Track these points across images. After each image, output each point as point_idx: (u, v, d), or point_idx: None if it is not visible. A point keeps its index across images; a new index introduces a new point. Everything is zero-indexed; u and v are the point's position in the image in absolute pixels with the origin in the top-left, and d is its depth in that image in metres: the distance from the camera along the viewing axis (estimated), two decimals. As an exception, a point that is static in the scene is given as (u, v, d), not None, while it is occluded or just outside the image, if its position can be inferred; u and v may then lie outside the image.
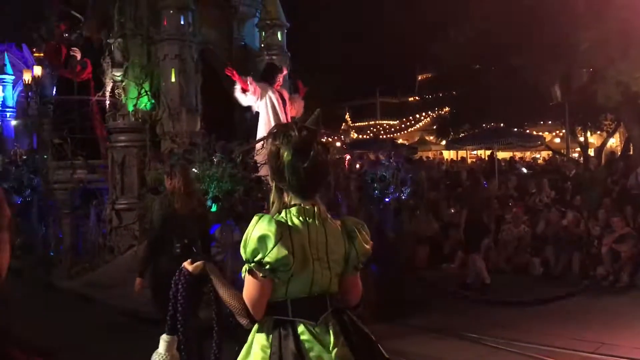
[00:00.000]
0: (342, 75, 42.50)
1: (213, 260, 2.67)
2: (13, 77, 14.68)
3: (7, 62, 14.88)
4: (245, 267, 2.18)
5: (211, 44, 10.42)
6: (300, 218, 2.23)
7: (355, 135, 39.26)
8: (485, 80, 20.04)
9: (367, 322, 6.61)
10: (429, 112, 35.48)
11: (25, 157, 11.44)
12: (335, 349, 2.19)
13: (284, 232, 2.15)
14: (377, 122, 43.35)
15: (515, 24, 14.90)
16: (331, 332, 2.23)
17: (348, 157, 9.13)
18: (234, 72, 7.74)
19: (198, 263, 2.47)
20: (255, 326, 2.26)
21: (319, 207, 2.28)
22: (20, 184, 10.62)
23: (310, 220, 2.24)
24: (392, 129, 39.50)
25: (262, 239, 2.12)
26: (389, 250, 8.88)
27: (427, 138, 33.42)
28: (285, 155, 2.22)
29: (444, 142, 29.89)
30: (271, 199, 2.36)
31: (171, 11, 8.99)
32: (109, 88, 9.62)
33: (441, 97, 29.53)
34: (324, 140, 2.66)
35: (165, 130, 8.97)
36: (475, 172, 10.36)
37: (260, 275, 2.14)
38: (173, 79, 8.99)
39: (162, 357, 2.47)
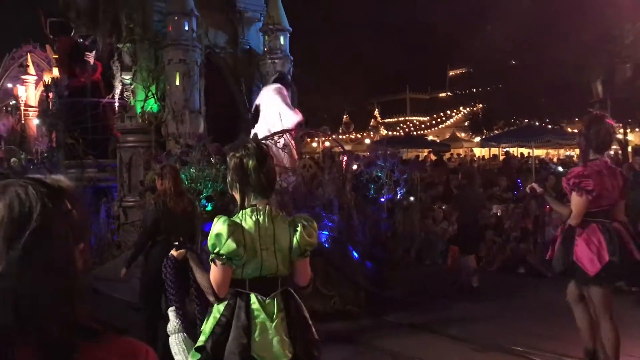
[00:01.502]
0: (372, 70, 42.33)
1: (197, 252, 3.40)
2: (35, 77, 15.24)
3: (30, 62, 15.47)
4: (211, 256, 2.80)
5: (217, 48, 10.80)
6: (253, 217, 2.84)
7: (385, 131, 38.99)
8: (521, 76, 19.68)
9: (356, 316, 6.90)
10: (461, 109, 35.06)
11: (46, 154, 12.02)
12: (277, 320, 2.81)
13: (235, 229, 2.76)
14: (407, 118, 43.00)
15: (555, 17, 14.47)
16: (276, 306, 2.83)
17: (345, 157, 9.35)
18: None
19: (181, 251, 3.24)
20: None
21: (270, 206, 2.91)
22: (37, 181, 11.17)
23: (261, 217, 2.84)
24: (423, 126, 39.10)
25: (218, 236, 2.74)
26: (383, 249, 9.18)
27: (458, 135, 32.68)
28: (250, 163, 2.85)
29: (476, 139, 29.53)
30: (240, 200, 2.96)
31: (175, 17, 9.37)
32: (118, 91, 10.06)
33: (474, 93, 29.07)
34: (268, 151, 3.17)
35: (169, 132, 9.37)
36: (470, 171, 10.48)
37: (220, 263, 2.76)
38: (177, 82, 9.37)
39: (173, 324, 3.16)
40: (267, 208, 2.89)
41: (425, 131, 37.12)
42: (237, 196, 2.97)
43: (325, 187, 8.59)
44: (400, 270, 9.27)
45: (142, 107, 9.77)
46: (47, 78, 12.94)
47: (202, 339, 2.86)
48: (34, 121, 14.69)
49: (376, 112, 44.23)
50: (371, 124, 42.25)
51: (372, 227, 8.93)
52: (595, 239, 4.19)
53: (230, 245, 2.73)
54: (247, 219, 2.84)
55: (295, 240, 2.88)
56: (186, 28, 9.35)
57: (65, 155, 10.53)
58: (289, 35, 10.83)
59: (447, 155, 26.81)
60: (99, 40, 10.82)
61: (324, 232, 8.32)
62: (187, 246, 3.35)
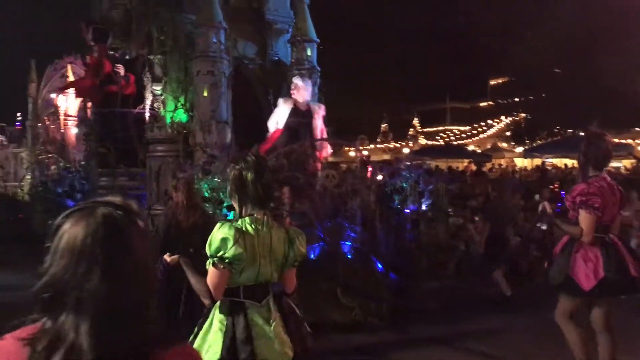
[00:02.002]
0: (412, 79, 42.14)
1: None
2: (75, 88, 15.66)
3: (70, 73, 15.98)
4: (210, 260, 2.90)
5: (246, 59, 10.96)
6: (252, 225, 2.96)
7: (424, 141, 38.65)
8: (567, 85, 19.20)
9: (377, 328, 6.87)
10: (502, 118, 34.50)
11: (83, 163, 12.39)
12: (274, 323, 2.98)
13: (240, 235, 2.89)
14: (447, 127, 42.56)
15: (604, 24, 14.09)
16: (272, 310, 3.01)
17: (370, 168, 9.35)
18: None
19: (174, 257, 3.40)
20: (216, 307, 3.00)
21: (268, 216, 3.03)
22: (73, 188, 11.54)
23: (260, 227, 2.97)
24: (463, 135, 38.61)
25: (224, 240, 2.87)
26: (407, 260, 9.12)
27: (500, 145, 32.39)
28: (249, 175, 2.99)
29: (518, 149, 28.96)
30: (239, 209, 3.11)
31: (204, 29, 9.55)
32: (149, 101, 10.30)
33: (516, 102, 28.56)
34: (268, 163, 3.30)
35: (196, 142, 9.54)
36: (500, 183, 10.32)
37: (221, 267, 2.88)
38: (205, 93, 9.54)
39: None
40: (265, 218, 3.02)
41: (466, 141, 36.54)
42: (236, 205, 3.12)
43: (348, 198, 8.59)
44: (428, 281, 9.18)
45: (172, 118, 9.97)
46: (84, 88, 13.34)
47: (216, 352, 2.91)
48: (73, 130, 15.14)
49: (415, 121, 43.80)
50: (410, 133, 41.85)
51: (397, 239, 8.90)
52: (592, 254, 4.22)
53: (236, 250, 2.86)
54: (247, 227, 2.96)
55: (291, 251, 3.06)
56: (214, 40, 9.52)
57: (98, 164, 10.82)
58: (316, 46, 10.91)
59: (488, 165, 26.37)
60: (132, 52, 11.12)
61: (346, 242, 8.34)
62: (189, 253, 3.47)
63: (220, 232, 2.91)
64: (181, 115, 9.99)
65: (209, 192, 7.44)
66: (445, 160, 25.07)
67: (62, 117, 15.43)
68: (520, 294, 8.81)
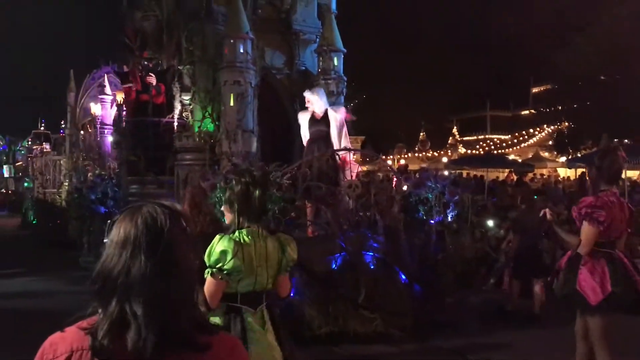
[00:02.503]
0: (451, 87, 41.66)
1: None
2: (111, 97, 16.11)
3: (107, 83, 16.40)
4: (208, 270, 3.06)
5: (273, 69, 11.06)
6: (249, 237, 3.12)
7: (463, 150, 38.14)
8: (614, 92, 18.62)
9: (399, 340, 6.79)
10: (544, 127, 33.80)
11: (117, 170, 12.68)
12: (266, 329, 3.13)
13: (238, 248, 3.05)
14: (487, 136, 41.83)
15: None
16: (265, 318, 3.16)
17: (395, 179, 9.29)
18: None
19: None
20: (209, 315, 3.08)
21: (262, 228, 3.22)
22: (105, 195, 11.80)
23: (256, 238, 3.14)
24: (504, 144, 37.94)
25: (223, 252, 3.05)
26: (432, 272, 8.99)
27: (542, 154, 31.17)
28: (256, 191, 3.17)
29: (561, 159, 28.25)
30: (228, 222, 3.39)
31: (231, 40, 9.69)
32: (177, 111, 10.49)
33: (559, 111, 27.83)
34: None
35: (223, 151, 9.66)
36: (529, 194, 10.09)
37: (219, 277, 3.03)
38: (232, 103, 9.66)
39: None
40: (260, 230, 3.19)
41: (507, 150, 35.75)
42: (230, 215, 3.31)
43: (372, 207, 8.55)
44: (453, 293, 9.04)
45: (199, 127, 10.12)
46: (119, 97, 13.69)
47: None
48: (109, 138, 15.51)
49: (454, 130, 43.18)
50: (449, 141, 41.27)
51: (421, 250, 8.79)
52: (599, 269, 4.17)
53: (235, 262, 3.01)
54: (244, 239, 3.11)
55: (284, 258, 3.22)
56: (241, 51, 9.64)
57: (128, 172, 11.05)
58: (342, 56, 10.94)
59: (530, 175, 25.81)
60: (163, 62, 11.35)
61: (369, 252, 8.28)
62: None
63: (219, 245, 3.05)
64: (208, 125, 10.13)
65: (230, 200, 7.50)
66: (486, 169, 24.50)
67: (98, 126, 15.83)
68: (551, 308, 8.60)
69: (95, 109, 16.41)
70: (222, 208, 3.32)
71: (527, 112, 41.60)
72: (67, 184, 16.50)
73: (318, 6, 11.68)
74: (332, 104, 10.39)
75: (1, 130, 42.26)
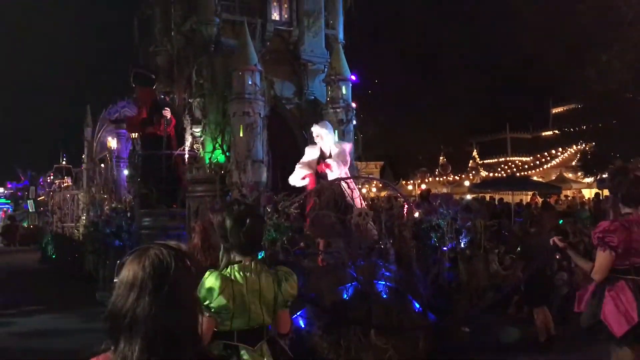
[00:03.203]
0: (469, 110, 41.53)
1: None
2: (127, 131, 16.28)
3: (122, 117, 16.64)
4: None
5: (283, 99, 11.14)
6: (241, 273, 3.02)
7: (484, 173, 37.76)
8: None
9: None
10: (567, 147, 33.31)
11: (133, 204, 12.77)
12: None
13: (226, 285, 2.95)
14: (508, 159, 41.47)
15: None
16: (266, 354, 3.04)
17: (406, 205, 9.21)
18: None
19: None
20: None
21: (256, 263, 3.10)
22: (120, 229, 11.87)
23: (248, 274, 3.03)
24: (525, 166, 37.51)
25: (210, 290, 2.92)
26: (445, 300, 8.84)
27: (566, 175, 30.94)
28: (228, 223, 3.05)
29: (587, 180, 27.67)
30: (220, 257, 3.23)
31: (239, 72, 9.79)
32: (188, 143, 10.58)
33: (583, 131, 27.21)
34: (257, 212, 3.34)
35: (233, 181, 9.68)
36: (539, 218, 9.92)
37: (207, 315, 2.90)
38: (241, 134, 9.72)
39: None
40: (252, 264, 3.07)
41: (529, 172, 35.20)
42: (222, 251, 3.20)
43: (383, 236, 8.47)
44: (468, 321, 8.86)
45: (210, 158, 10.18)
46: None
47: None
48: (125, 172, 15.67)
49: (475, 153, 42.77)
50: (470, 165, 40.87)
51: (435, 277, 8.66)
52: (624, 298, 3.98)
53: (221, 300, 2.91)
54: (235, 275, 3.02)
55: (280, 293, 3.09)
56: (249, 82, 9.74)
57: (140, 205, 11.12)
58: (351, 84, 10.99)
59: (554, 197, 25.26)
60: (175, 96, 11.50)
61: (380, 281, 8.18)
62: None
63: (207, 282, 2.96)
64: (219, 156, 10.19)
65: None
66: (511, 192, 23.98)
67: (113, 160, 16.02)
68: (568, 332, 8.38)
69: (112, 142, 16.65)
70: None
71: (549, 133, 40.95)
72: (84, 217, 16.66)
73: (325, 36, 11.81)
74: (341, 132, 10.43)
75: (24, 166, 43.10)
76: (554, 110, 41.08)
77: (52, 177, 35.69)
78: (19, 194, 41.44)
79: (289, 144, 10.91)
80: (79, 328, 9.42)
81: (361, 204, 8.64)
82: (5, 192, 44.56)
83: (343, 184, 8.24)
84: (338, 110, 10.62)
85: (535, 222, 9.46)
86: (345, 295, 7.77)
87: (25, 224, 33.73)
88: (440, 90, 41.02)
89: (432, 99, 40.86)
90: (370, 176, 10.25)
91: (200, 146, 10.45)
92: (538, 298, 8.65)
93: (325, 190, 8.14)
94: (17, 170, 42.72)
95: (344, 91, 10.75)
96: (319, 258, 8.45)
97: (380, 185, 19.91)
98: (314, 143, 8.89)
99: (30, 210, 35.74)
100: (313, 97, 11.48)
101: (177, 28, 11.31)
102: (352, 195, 8.38)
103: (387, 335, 7.42)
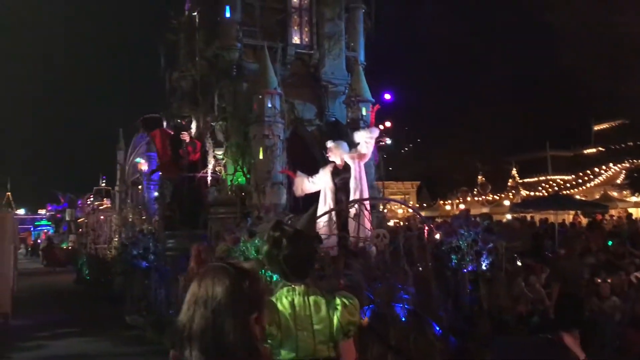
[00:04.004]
0: (508, 128, 40.97)
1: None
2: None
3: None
4: None
5: (304, 121, 11.22)
6: (288, 298, 2.81)
7: (525, 192, 36.99)
8: None
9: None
10: (611, 165, 32.50)
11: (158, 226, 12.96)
12: None
13: (271, 310, 2.71)
14: (549, 177, 40.59)
15: None
16: None
17: (426, 227, 9.11)
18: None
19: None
20: None
21: (307, 287, 2.83)
22: (146, 250, 12.05)
23: (297, 298, 2.80)
24: (567, 185, 36.62)
25: None
26: (468, 323, 8.65)
27: (611, 194, 29.62)
28: (264, 250, 2.93)
29: (634, 198, 26.92)
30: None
31: (260, 96, 9.92)
32: (211, 165, 10.72)
33: (629, 147, 26.48)
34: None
35: (253, 203, 9.77)
36: (570, 238, 9.63)
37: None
38: (261, 156, 9.82)
39: None
40: (302, 288, 2.82)
41: (571, 191, 34.23)
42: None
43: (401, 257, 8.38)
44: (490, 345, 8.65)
45: (231, 181, 10.30)
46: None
47: None
48: (154, 194, 15.95)
49: (514, 172, 41.95)
50: (509, 184, 40.10)
51: (455, 300, 8.52)
52: None
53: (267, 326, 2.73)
54: (282, 299, 2.83)
55: (335, 320, 2.81)
56: (269, 105, 9.86)
57: (165, 226, 11.29)
58: (371, 105, 11.00)
59: (598, 217, 24.36)
60: (198, 119, 11.70)
61: (399, 304, 8.08)
62: None
63: None
64: (240, 178, 10.29)
65: (254, 253, 7.51)
66: (555, 212, 23.18)
67: (145, 182, 16.34)
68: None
69: (143, 165, 16.99)
70: None
71: (597, 149, 39.84)
72: (116, 239, 16.98)
73: (346, 58, 11.87)
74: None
75: (68, 189, 44.22)
76: (596, 127, 40.03)
77: (91, 199, 36.52)
78: (59, 216, 42.56)
79: (309, 165, 10.93)
80: (109, 352, 9.46)
81: (370, 225, 8.56)
82: (47, 214, 45.80)
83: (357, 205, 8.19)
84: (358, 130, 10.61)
85: (565, 244, 9.14)
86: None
87: (64, 246, 34.57)
88: (477, 107, 40.60)
89: (469, 116, 40.46)
90: (389, 198, 10.15)
91: (222, 168, 10.58)
92: (568, 322, 8.36)
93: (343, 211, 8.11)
94: (57, 193, 43.92)
95: (364, 112, 10.77)
96: (340, 281, 8.40)
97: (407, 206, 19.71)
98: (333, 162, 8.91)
99: (69, 232, 36.69)
100: (334, 119, 11.53)
101: (200, 53, 11.56)
102: (367, 216, 8.33)
103: (405, 359, 7.32)
